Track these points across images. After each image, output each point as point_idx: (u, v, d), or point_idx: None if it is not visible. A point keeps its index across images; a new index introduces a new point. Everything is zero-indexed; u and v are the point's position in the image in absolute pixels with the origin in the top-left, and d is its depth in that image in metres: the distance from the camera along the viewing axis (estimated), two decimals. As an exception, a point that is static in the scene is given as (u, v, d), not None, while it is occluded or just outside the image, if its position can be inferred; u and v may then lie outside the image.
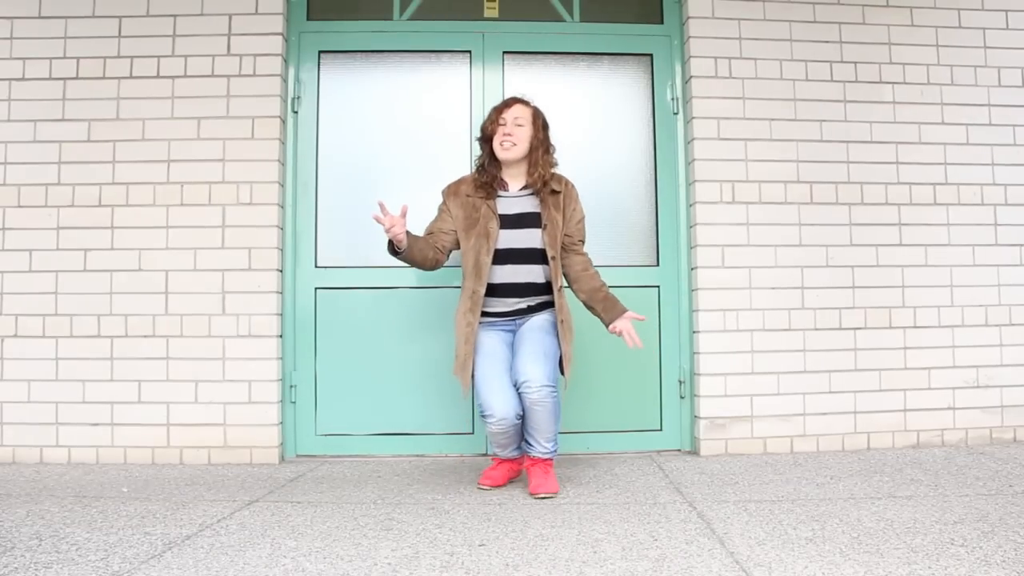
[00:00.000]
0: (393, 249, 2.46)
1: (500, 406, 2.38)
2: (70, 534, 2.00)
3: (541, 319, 2.56)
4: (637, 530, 2.02)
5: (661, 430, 3.25)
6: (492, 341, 2.54)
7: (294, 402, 3.18)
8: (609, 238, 3.27)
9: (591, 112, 3.35)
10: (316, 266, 3.23)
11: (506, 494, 2.49)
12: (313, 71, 3.29)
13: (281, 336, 3.13)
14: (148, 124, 3.11)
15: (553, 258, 2.52)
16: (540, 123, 2.59)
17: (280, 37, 3.17)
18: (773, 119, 3.22)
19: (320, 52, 3.30)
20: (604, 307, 2.57)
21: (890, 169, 3.26)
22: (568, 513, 2.21)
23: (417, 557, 1.80)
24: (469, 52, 3.31)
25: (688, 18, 3.26)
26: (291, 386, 3.18)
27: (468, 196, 2.58)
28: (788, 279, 3.18)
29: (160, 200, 3.09)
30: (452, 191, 2.62)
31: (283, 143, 3.19)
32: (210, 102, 3.12)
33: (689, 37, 3.25)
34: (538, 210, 2.55)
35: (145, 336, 3.06)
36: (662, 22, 3.38)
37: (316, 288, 3.22)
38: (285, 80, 3.22)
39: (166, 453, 3.03)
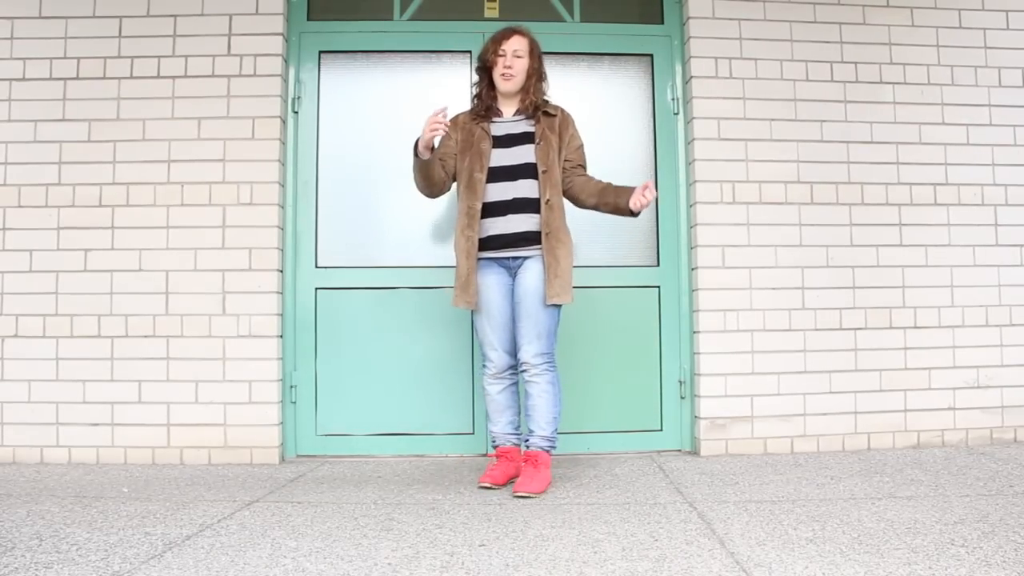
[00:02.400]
0: (416, 151, 2.53)
1: (497, 358, 2.63)
2: (70, 534, 2.00)
3: (536, 277, 2.55)
4: (637, 530, 2.02)
5: (661, 430, 3.25)
6: (490, 292, 2.59)
7: (294, 402, 3.19)
8: (609, 238, 3.27)
9: (591, 112, 3.33)
10: (316, 266, 3.23)
11: (506, 494, 2.48)
12: (313, 71, 3.29)
13: (281, 336, 3.14)
14: (148, 124, 3.12)
15: (544, 172, 2.57)
16: (537, 53, 2.67)
17: (280, 37, 3.17)
18: (773, 119, 3.22)
19: (320, 52, 3.30)
20: (617, 193, 2.62)
21: (890, 169, 3.26)
22: (568, 513, 2.21)
23: (417, 557, 1.80)
24: (469, 52, 3.31)
25: (688, 18, 3.26)
26: (291, 386, 3.18)
27: (466, 123, 2.69)
28: (788, 279, 3.18)
29: (160, 200, 3.09)
30: (452, 121, 2.71)
31: (283, 143, 3.19)
32: (210, 102, 3.12)
33: (689, 37, 3.25)
34: (532, 130, 2.63)
35: (145, 336, 3.06)
36: (662, 22, 3.38)
37: (316, 288, 3.22)
38: (285, 80, 3.22)
39: (166, 453, 3.03)
